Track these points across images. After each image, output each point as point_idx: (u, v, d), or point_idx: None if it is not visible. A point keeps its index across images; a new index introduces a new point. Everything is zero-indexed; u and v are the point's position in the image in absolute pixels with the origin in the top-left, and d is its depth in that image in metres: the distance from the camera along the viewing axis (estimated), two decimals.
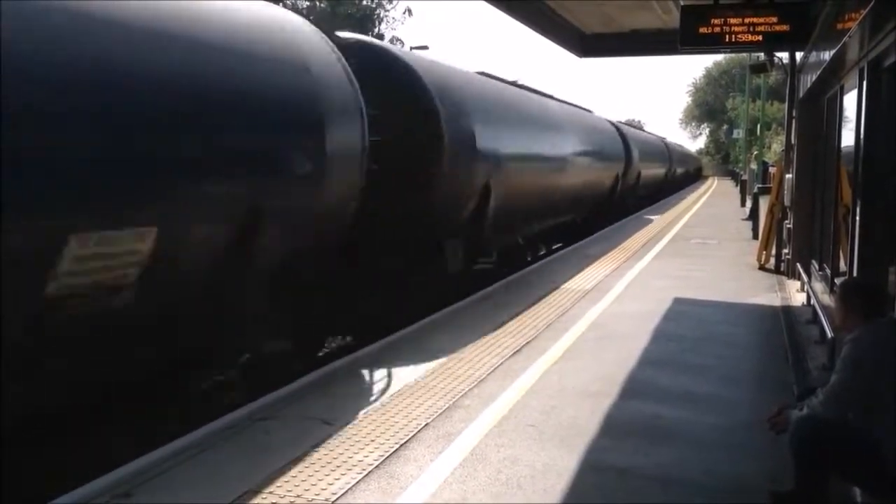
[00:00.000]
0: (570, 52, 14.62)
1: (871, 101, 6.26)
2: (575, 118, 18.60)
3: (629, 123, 36.20)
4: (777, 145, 32.22)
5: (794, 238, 11.65)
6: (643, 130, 40.89)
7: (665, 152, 39.91)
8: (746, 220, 20.12)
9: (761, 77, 29.31)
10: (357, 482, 4.36)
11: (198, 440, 4.96)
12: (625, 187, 24.16)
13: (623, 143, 24.26)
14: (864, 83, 6.40)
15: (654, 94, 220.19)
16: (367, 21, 41.48)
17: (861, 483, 4.00)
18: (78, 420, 5.27)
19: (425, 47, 11.27)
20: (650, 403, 5.85)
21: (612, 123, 25.53)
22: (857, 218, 6.54)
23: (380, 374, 6.52)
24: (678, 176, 45.88)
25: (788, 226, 12.00)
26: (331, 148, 6.65)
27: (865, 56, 6.31)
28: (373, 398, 5.84)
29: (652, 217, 23.86)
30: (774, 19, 9.30)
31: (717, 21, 9.44)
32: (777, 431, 4.14)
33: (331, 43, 7.30)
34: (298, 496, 4.17)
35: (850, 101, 7.40)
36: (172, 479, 4.41)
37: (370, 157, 7.46)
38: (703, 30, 9.48)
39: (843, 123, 8.19)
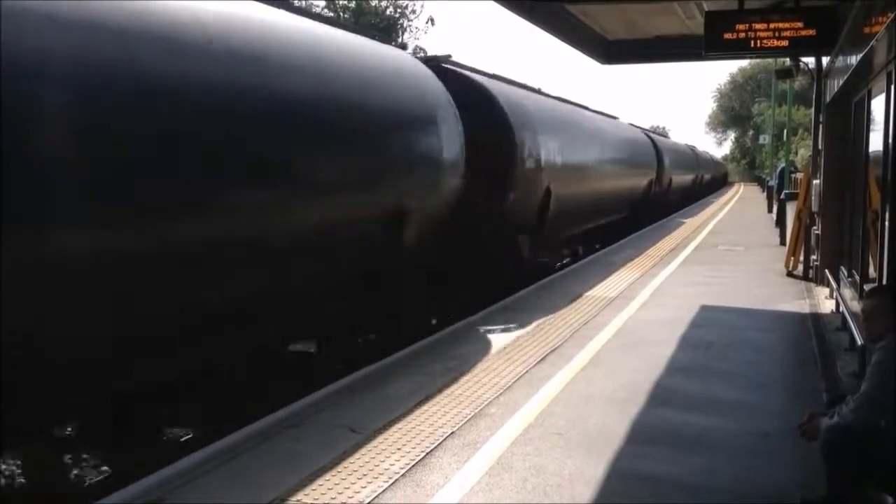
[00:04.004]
0: (594, 58, 14.58)
1: None
2: (614, 130, 20.47)
3: (654, 130, 36.06)
4: (804, 150, 31.82)
5: (823, 244, 11.49)
6: (668, 138, 40.85)
7: (693, 159, 40.34)
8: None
9: (787, 82, 28.96)
10: (384, 490, 4.39)
11: (228, 447, 5.02)
12: (658, 192, 25.34)
13: (655, 152, 25.37)
14: (893, 86, 6.33)
15: (678, 100, 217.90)
16: (390, 31, 41.61)
17: (893, 490, 3.95)
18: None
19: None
20: (677, 410, 5.82)
21: (645, 133, 26.48)
22: (887, 223, 6.45)
23: (405, 382, 6.54)
24: (706, 182, 45.88)
25: (816, 232, 11.85)
26: (446, 153, 8.88)
27: (893, 59, 6.24)
28: (398, 406, 5.85)
29: (683, 220, 24.58)
30: (800, 24, 9.20)
31: (741, 27, 9.34)
32: (808, 439, 4.11)
33: (434, 76, 9.36)
34: None
35: (878, 105, 7.32)
36: (204, 485, 4.47)
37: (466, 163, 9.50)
38: (728, 36, 9.39)
39: (871, 127, 8.10)
